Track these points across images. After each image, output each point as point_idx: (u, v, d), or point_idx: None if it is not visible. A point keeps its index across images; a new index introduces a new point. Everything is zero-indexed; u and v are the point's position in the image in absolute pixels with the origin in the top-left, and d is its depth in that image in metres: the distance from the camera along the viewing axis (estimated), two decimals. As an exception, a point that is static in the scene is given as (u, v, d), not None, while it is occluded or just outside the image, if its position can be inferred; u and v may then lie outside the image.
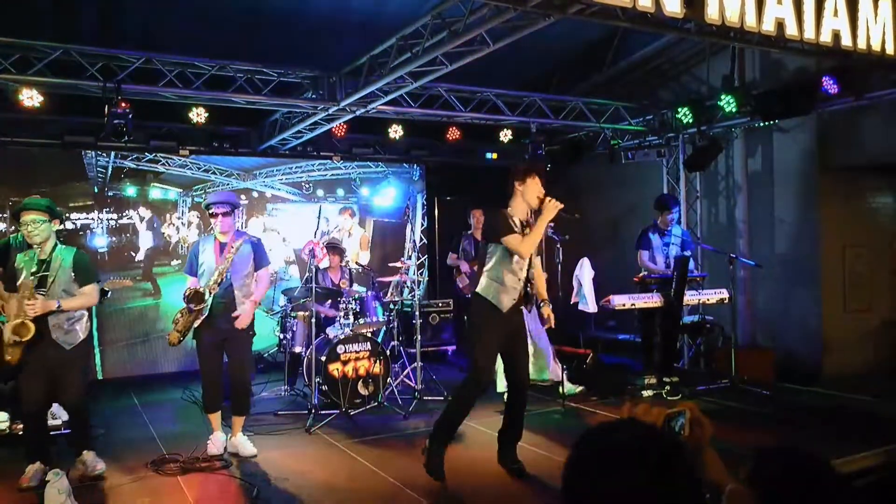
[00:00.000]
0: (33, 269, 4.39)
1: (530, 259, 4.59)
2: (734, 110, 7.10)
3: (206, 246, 5.21)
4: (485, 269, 4.57)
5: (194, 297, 4.95)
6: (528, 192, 4.55)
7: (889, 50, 4.83)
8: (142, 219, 8.46)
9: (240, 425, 5.26)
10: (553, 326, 4.91)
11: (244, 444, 5.18)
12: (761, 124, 7.48)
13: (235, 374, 5.21)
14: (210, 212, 5.18)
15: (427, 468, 4.45)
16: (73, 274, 4.51)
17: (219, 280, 5.01)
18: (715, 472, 1.64)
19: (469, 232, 8.08)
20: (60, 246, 4.57)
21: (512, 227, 4.48)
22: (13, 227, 5.52)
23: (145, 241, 8.49)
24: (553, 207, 4.47)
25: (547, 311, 4.81)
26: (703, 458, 1.65)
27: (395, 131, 8.07)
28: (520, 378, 4.65)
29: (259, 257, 5.27)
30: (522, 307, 4.63)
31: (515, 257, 4.46)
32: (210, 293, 4.99)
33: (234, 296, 5.11)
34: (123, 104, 5.81)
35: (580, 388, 6.73)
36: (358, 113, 6.84)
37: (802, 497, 1.37)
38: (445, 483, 4.41)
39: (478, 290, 4.57)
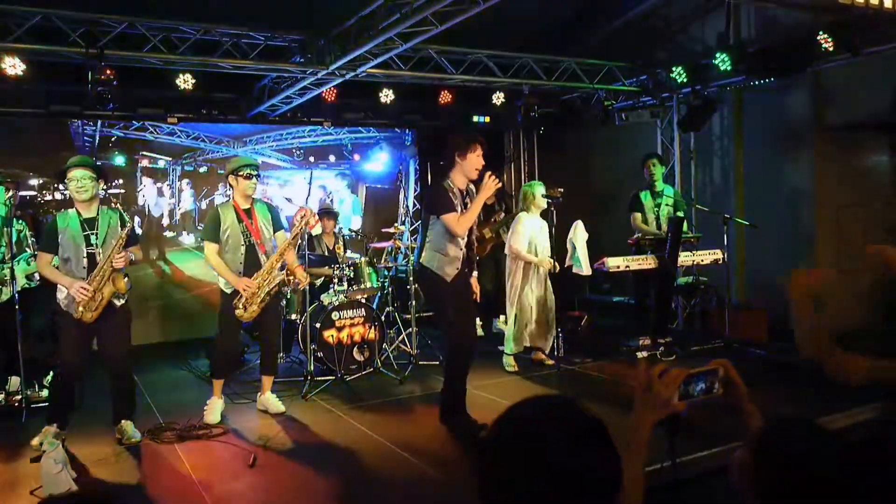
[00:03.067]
0: (78, 228, 4.56)
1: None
2: (729, 69, 6.99)
3: (226, 213, 5.20)
4: (427, 240, 4.79)
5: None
6: (468, 166, 4.73)
7: (888, 2, 4.74)
8: (145, 186, 8.53)
9: (269, 384, 5.46)
10: (477, 299, 5.03)
11: (274, 402, 5.39)
12: (756, 83, 7.39)
13: (270, 336, 5.44)
14: (244, 173, 5.15)
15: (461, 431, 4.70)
16: (125, 234, 4.63)
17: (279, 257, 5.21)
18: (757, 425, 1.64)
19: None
20: (104, 207, 4.74)
21: (450, 203, 4.68)
22: (8, 195, 5.56)
23: (155, 210, 8.55)
24: (492, 186, 4.60)
25: (472, 280, 4.97)
26: (744, 413, 1.65)
27: (386, 96, 7.94)
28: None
29: (277, 219, 5.39)
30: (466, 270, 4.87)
31: None
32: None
33: (261, 263, 5.20)
34: (107, 71, 5.68)
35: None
36: (347, 77, 6.72)
37: (801, 466, 1.35)
38: (443, 446, 4.44)
39: (422, 261, 4.79)
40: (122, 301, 4.72)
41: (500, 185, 4.71)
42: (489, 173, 4.64)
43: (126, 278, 4.64)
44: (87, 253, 4.57)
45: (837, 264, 7.60)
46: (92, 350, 4.83)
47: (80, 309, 4.49)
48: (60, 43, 5.61)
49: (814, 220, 7.45)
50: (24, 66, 5.84)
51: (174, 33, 5.96)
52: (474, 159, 4.72)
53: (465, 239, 4.80)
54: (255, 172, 5.22)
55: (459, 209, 4.71)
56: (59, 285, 4.60)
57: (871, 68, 6.64)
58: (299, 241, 5.50)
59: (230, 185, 5.32)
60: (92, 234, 4.60)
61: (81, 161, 4.66)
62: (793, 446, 1.38)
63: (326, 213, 7.62)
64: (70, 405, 4.78)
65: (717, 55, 6.94)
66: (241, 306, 5.11)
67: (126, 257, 4.56)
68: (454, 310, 4.75)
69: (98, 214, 4.65)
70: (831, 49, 6.24)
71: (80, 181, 4.54)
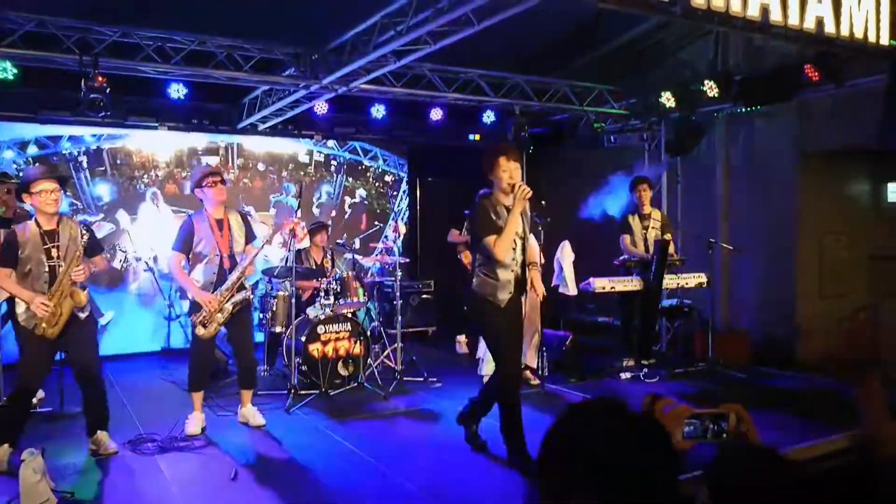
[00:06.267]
0: (38, 241, 4.39)
1: (523, 241, 4.38)
2: (717, 95, 7.11)
3: (200, 224, 5.12)
4: (477, 264, 4.38)
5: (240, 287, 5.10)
6: (499, 181, 4.27)
7: (871, 37, 4.84)
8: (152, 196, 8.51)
9: (249, 397, 5.41)
10: (543, 294, 5.10)
11: (255, 415, 5.34)
12: (743, 110, 7.51)
13: (244, 350, 5.33)
14: (209, 182, 5.06)
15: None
16: (83, 245, 4.48)
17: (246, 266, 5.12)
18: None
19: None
20: (63, 218, 4.58)
21: (492, 224, 4.23)
22: None
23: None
24: (523, 196, 4.17)
25: (533, 275, 4.74)
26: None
27: (378, 111, 7.98)
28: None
29: (249, 230, 5.31)
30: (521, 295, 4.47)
31: None
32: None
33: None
34: (100, 78, 5.68)
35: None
36: (340, 91, 6.75)
37: (753, 496, 1.35)
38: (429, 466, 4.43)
39: (474, 286, 4.37)
40: (86, 313, 4.57)
41: (530, 193, 4.17)
42: (519, 183, 4.17)
43: (85, 290, 4.52)
44: (49, 266, 4.40)
45: (820, 290, 7.69)
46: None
47: (43, 325, 4.33)
48: (55, 49, 5.61)
49: (797, 245, 7.54)
50: (15, 71, 5.84)
51: (168, 43, 5.97)
52: (502, 172, 4.23)
53: (517, 259, 4.34)
54: (220, 178, 5.12)
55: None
56: (16, 300, 4.45)
57: (855, 98, 6.77)
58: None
59: (199, 199, 5.21)
60: (53, 246, 4.42)
61: (50, 173, 4.52)
62: (744, 475, 1.37)
63: (319, 226, 7.61)
64: (22, 426, 4.50)
65: (706, 82, 7.06)
66: (198, 323, 5.00)
67: (86, 270, 4.43)
68: (506, 340, 4.37)
69: (58, 226, 4.48)
70: (816, 80, 6.37)
71: (52, 193, 4.38)
